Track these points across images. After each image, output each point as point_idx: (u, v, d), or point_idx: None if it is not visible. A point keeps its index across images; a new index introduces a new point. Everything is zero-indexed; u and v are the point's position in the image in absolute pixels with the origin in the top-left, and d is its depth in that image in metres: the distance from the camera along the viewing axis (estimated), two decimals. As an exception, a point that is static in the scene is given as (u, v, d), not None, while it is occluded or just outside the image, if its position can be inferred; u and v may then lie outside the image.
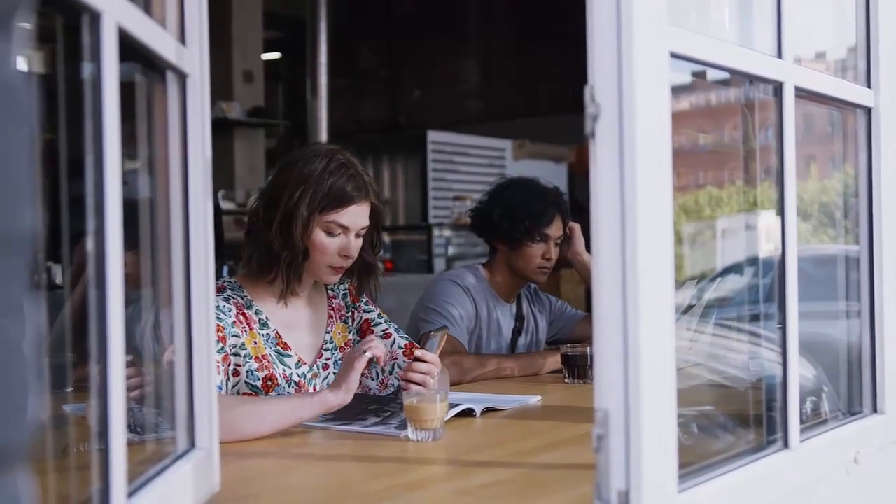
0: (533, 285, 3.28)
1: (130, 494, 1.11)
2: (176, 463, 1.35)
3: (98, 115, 1.04)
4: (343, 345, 2.44)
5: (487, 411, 2.28)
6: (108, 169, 1.04)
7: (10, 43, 0.60)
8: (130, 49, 1.15)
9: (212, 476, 1.47)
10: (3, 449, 0.60)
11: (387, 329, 2.47)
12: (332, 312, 2.46)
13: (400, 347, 2.42)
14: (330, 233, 2.26)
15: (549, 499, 1.56)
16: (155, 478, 1.25)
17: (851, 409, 1.90)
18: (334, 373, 2.38)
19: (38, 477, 0.68)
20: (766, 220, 1.86)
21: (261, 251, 2.28)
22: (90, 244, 1.04)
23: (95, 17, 1.03)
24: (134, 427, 1.37)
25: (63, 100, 1.13)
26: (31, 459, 0.64)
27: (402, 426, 1.99)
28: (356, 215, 2.27)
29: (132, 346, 1.18)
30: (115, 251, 1.05)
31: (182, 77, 1.40)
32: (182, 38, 1.40)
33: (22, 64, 0.62)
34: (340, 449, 1.90)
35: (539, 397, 2.46)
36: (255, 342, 2.26)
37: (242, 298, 2.29)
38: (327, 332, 2.43)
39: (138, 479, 1.21)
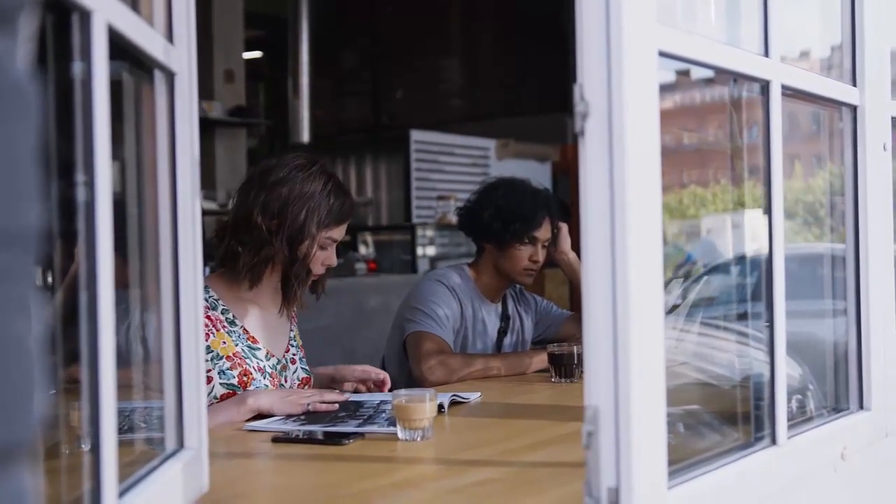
0: (518, 285, 3.28)
1: (121, 494, 1.11)
2: (165, 463, 1.34)
3: (88, 113, 1.04)
4: (301, 344, 2.58)
5: (454, 404, 2.33)
6: (99, 169, 1.04)
7: (16, 43, 0.60)
8: (118, 47, 1.15)
9: (201, 476, 1.46)
10: (10, 445, 0.60)
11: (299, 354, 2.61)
12: (292, 314, 2.57)
13: (297, 379, 2.53)
14: (322, 247, 2.40)
15: (539, 497, 1.56)
16: (145, 478, 1.25)
17: (838, 406, 1.91)
18: (301, 367, 2.53)
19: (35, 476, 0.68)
20: (751, 219, 1.88)
21: (261, 262, 2.35)
22: (80, 246, 1.03)
23: (86, 16, 1.02)
24: (121, 427, 1.37)
25: (50, 98, 1.13)
26: (34, 457, 0.64)
27: (392, 423, 1.99)
28: (345, 229, 2.46)
29: (117, 347, 1.17)
30: (106, 252, 1.04)
31: (170, 76, 1.40)
32: (170, 37, 1.40)
33: (27, 64, 0.62)
34: (329, 449, 1.90)
35: (479, 394, 2.49)
36: (224, 342, 2.34)
37: (207, 300, 2.32)
38: (291, 330, 2.55)
39: (128, 479, 1.20)
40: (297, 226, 2.34)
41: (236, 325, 2.38)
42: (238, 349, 2.34)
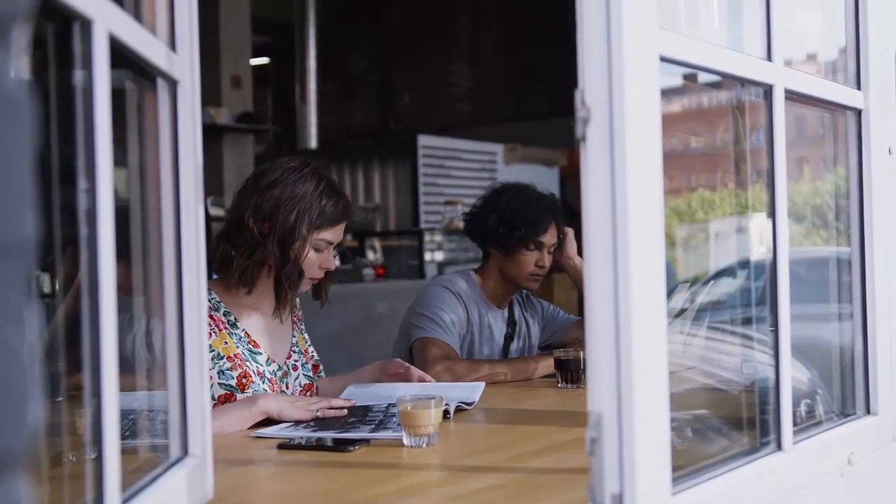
0: (525, 290, 3.28)
1: (125, 502, 1.11)
2: (169, 470, 1.35)
3: (90, 122, 1.04)
4: (304, 350, 2.57)
5: (459, 410, 2.33)
6: (100, 177, 1.04)
7: (10, 53, 0.61)
8: (120, 56, 1.15)
9: (205, 483, 1.46)
10: (5, 454, 0.60)
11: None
12: (294, 319, 2.57)
13: (300, 386, 2.53)
14: (317, 249, 2.39)
15: (544, 503, 1.55)
16: (149, 485, 1.25)
17: (844, 411, 1.90)
18: (303, 374, 2.52)
19: (33, 485, 0.68)
20: (759, 222, 1.87)
21: (254, 265, 2.35)
22: (83, 253, 1.03)
23: (87, 25, 1.02)
24: (125, 434, 1.37)
25: (53, 107, 1.13)
26: (30, 466, 0.64)
27: (400, 429, 1.98)
28: (341, 232, 2.44)
29: (123, 355, 1.18)
30: (108, 260, 1.05)
31: (173, 84, 1.40)
32: (172, 45, 1.40)
33: (21, 73, 0.63)
34: (334, 456, 1.90)
35: (482, 384, 2.50)
36: (226, 342, 2.34)
37: (210, 302, 2.32)
38: (293, 336, 2.54)
39: (132, 486, 1.20)
40: (288, 227, 2.33)
41: (238, 328, 2.38)
42: (239, 351, 2.35)
